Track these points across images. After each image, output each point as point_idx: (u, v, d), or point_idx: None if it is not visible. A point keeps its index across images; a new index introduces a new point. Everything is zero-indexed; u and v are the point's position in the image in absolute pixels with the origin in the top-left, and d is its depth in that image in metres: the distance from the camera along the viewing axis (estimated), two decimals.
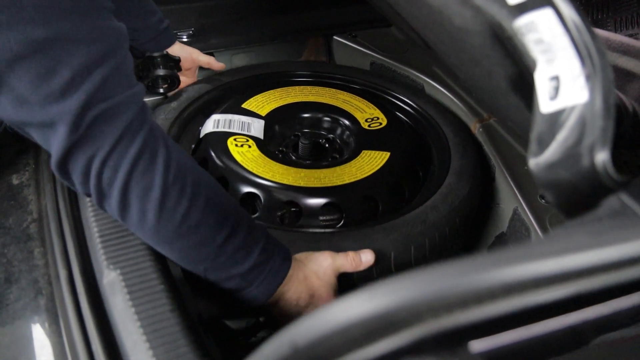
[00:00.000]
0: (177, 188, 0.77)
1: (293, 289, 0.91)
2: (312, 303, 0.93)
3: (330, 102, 1.39)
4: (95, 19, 0.69)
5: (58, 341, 0.80)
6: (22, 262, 0.90)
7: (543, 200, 1.24)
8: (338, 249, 0.98)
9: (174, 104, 1.34)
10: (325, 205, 1.09)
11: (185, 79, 1.46)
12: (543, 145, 0.55)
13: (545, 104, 0.53)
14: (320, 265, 0.94)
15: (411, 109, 1.47)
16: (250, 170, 1.13)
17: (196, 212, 0.79)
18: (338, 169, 1.18)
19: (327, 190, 1.12)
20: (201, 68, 1.53)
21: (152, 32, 1.35)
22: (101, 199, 0.76)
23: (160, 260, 0.87)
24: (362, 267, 0.98)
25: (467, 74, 0.82)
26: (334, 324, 0.33)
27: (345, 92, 1.44)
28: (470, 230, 1.27)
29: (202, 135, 1.25)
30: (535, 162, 0.56)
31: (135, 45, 1.37)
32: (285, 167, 1.16)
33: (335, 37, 1.77)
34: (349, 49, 1.74)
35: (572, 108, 0.52)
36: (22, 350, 0.82)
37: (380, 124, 1.32)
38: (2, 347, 0.82)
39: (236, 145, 1.21)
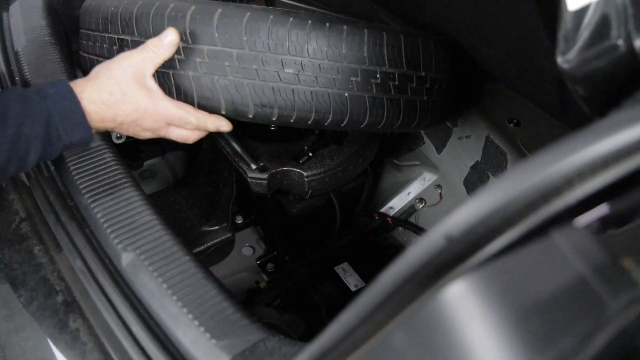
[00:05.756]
0: None
1: (99, 117, 0.83)
2: (124, 120, 0.86)
3: None
4: None
5: (89, 332, 0.76)
6: (23, 264, 0.84)
7: (511, 125, 1.31)
8: None
9: None
10: None
11: None
12: (570, 42, 0.58)
13: (572, 2, 0.56)
14: (113, 76, 0.85)
15: None
16: None
17: None
18: None
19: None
20: None
21: None
22: None
23: (174, 233, 0.84)
24: (168, 51, 0.87)
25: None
26: (484, 210, 0.34)
27: None
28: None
29: None
30: (564, 59, 0.59)
31: None
32: None
33: None
34: (291, 8, 1.72)
35: (598, 2, 0.55)
36: (48, 352, 0.78)
37: None
38: (26, 353, 0.77)
39: None
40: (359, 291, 1.30)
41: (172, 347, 0.72)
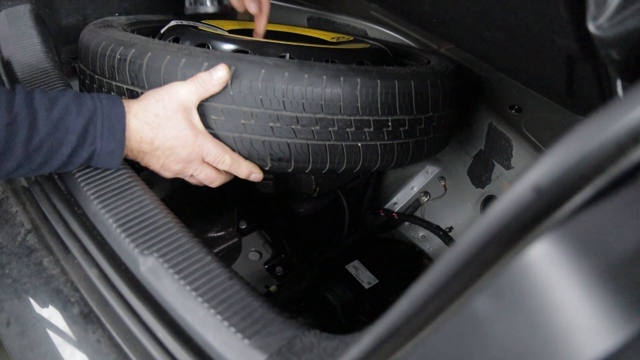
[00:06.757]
0: None
1: (139, 136, 0.83)
2: (160, 146, 0.86)
3: (291, 31, 1.35)
4: None
5: (111, 343, 0.72)
6: (33, 277, 0.80)
7: (513, 111, 1.30)
8: None
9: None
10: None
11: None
12: (602, 6, 0.57)
13: None
14: (161, 100, 0.85)
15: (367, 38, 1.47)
16: (234, 36, 1.07)
17: None
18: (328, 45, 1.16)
19: (323, 50, 1.07)
20: None
21: None
22: None
23: (192, 234, 0.81)
24: (217, 87, 0.86)
25: None
26: (573, 156, 0.32)
27: (301, 27, 1.41)
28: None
29: (164, 29, 1.14)
30: (596, 24, 0.58)
31: None
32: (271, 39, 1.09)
33: None
34: (282, 9, 1.70)
35: None
36: None
37: (348, 40, 1.30)
38: None
39: (208, 26, 1.13)
40: (372, 288, 1.27)
41: (202, 351, 0.69)
